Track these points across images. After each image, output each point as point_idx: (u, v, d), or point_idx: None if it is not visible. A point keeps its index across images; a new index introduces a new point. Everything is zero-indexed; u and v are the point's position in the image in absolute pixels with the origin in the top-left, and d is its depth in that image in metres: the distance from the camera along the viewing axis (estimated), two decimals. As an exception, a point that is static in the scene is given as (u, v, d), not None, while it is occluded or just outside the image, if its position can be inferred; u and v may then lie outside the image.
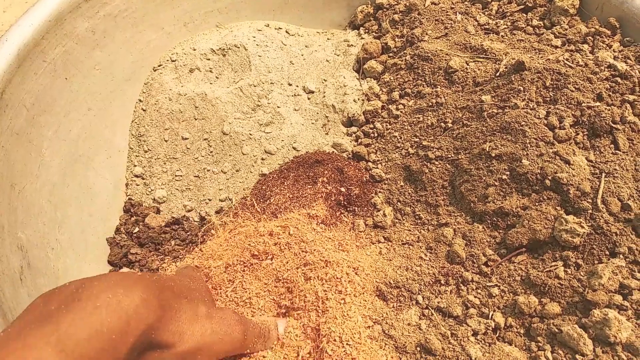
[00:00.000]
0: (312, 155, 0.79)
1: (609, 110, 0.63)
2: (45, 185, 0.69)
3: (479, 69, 0.75)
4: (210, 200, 0.79)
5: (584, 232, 0.56)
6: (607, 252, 0.56)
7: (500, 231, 0.63)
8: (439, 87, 0.77)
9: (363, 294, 0.61)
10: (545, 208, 0.60)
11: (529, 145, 0.63)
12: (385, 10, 0.96)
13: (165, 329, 0.39)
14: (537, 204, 0.61)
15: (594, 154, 0.62)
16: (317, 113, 0.86)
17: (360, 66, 0.91)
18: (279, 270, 0.61)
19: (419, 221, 0.70)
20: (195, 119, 0.83)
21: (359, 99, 0.86)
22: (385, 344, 0.57)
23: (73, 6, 0.75)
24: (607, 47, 0.73)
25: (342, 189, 0.74)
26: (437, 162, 0.71)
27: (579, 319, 0.53)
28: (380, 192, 0.74)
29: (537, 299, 0.56)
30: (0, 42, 0.67)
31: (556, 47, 0.75)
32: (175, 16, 0.92)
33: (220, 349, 0.44)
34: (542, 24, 0.80)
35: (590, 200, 0.58)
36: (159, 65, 0.91)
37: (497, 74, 0.72)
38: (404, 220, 0.71)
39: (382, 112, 0.82)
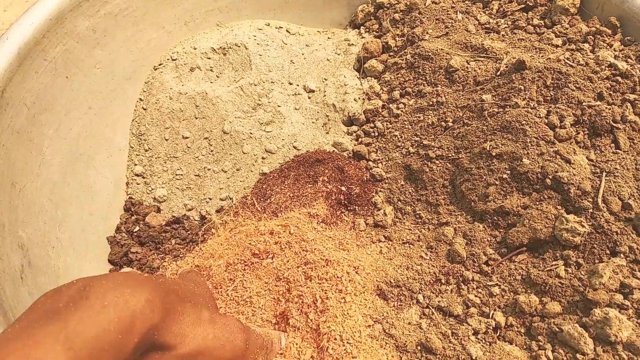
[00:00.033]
0: (312, 154, 0.79)
1: (610, 109, 0.63)
2: (46, 183, 0.69)
3: (479, 68, 0.75)
4: (210, 199, 0.79)
5: (585, 231, 0.56)
6: (608, 251, 0.56)
7: (501, 230, 0.63)
8: (439, 86, 0.77)
9: (363, 293, 0.61)
10: (546, 207, 0.60)
11: (529, 144, 0.63)
12: (386, 9, 0.96)
13: (167, 330, 0.39)
14: (537, 203, 0.61)
15: (594, 153, 0.62)
16: (318, 112, 0.86)
17: (360, 65, 0.91)
18: (279, 269, 0.61)
19: (419, 220, 0.70)
20: (196, 118, 0.83)
21: (359, 98, 0.86)
22: (386, 343, 0.57)
23: (74, 5, 0.75)
24: (608, 47, 0.73)
25: (343, 188, 0.74)
26: (437, 161, 0.71)
27: (580, 318, 0.53)
28: (380, 191, 0.74)
29: (538, 298, 0.56)
30: (1, 41, 0.67)
31: (557, 46, 0.75)
32: (176, 15, 0.92)
33: (220, 355, 0.44)
34: (543, 23, 0.80)
35: (591, 200, 0.58)
36: (159, 64, 0.91)
37: (498, 73, 0.72)
38: (404, 219, 0.71)
39: (382, 111, 0.82)
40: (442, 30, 0.85)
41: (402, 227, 0.70)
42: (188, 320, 0.42)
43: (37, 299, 0.35)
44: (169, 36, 0.92)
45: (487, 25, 0.83)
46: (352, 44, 0.95)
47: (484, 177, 0.65)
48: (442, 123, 0.73)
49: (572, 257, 0.57)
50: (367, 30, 0.98)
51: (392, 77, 0.85)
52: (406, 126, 0.78)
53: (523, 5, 0.84)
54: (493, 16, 0.86)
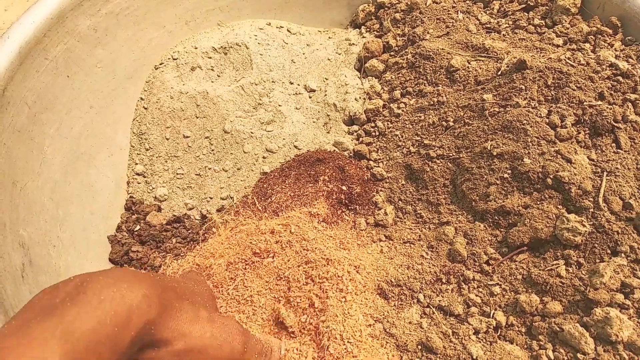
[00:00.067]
0: (313, 153, 0.79)
1: (611, 109, 0.63)
2: (47, 182, 0.69)
3: (480, 68, 0.75)
4: (211, 198, 0.79)
5: (586, 231, 0.56)
6: (609, 251, 0.56)
7: (502, 230, 0.63)
8: (440, 85, 0.77)
9: (364, 292, 0.61)
10: (547, 207, 0.60)
11: (530, 143, 0.63)
12: (386, 9, 0.96)
13: (165, 325, 0.39)
14: (538, 202, 0.61)
15: (595, 153, 0.62)
16: (319, 112, 0.86)
17: (361, 65, 0.91)
18: (280, 268, 0.61)
19: (420, 220, 0.70)
20: (197, 117, 0.83)
21: (360, 98, 0.86)
22: (387, 342, 0.57)
23: (75, 4, 0.75)
24: (609, 46, 0.73)
25: (344, 188, 0.74)
26: (438, 161, 0.71)
27: (581, 317, 0.53)
28: (381, 190, 0.74)
29: (539, 298, 0.56)
30: (2, 40, 0.67)
31: (558, 46, 0.75)
32: (177, 14, 0.92)
33: (217, 355, 0.43)
34: (544, 23, 0.80)
35: (591, 199, 0.58)
36: (160, 64, 0.91)
37: (499, 73, 0.72)
38: (405, 218, 0.71)
39: (383, 110, 0.82)
40: (443, 29, 0.85)
41: (402, 227, 0.70)
42: (185, 317, 0.41)
43: (35, 295, 0.35)
44: (170, 35, 0.92)
45: (488, 25, 0.83)
46: (353, 44, 0.95)
47: (485, 176, 0.65)
48: (443, 122, 0.73)
49: (573, 256, 0.57)
50: (368, 29, 0.98)
51: (393, 76, 0.85)
52: (407, 126, 0.78)
53: (524, 5, 0.84)
54: (494, 16, 0.86)
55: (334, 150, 0.81)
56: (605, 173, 0.59)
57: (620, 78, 0.65)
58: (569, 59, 0.69)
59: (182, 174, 0.81)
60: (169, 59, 0.91)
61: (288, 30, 0.98)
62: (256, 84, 0.85)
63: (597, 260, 0.56)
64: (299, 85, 0.88)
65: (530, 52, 0.75)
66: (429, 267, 0.63)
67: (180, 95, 0.85)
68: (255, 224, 0.68)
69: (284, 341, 0.55)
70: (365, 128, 0.82)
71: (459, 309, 0.58)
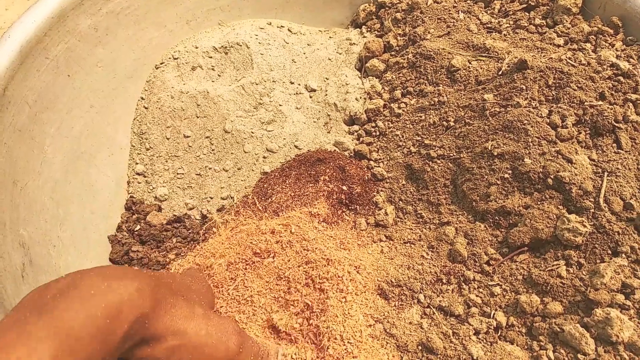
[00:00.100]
0: (313, 153, 0.78)
1: (612, 109, 0.62)
2: (47, 182, 0.69)
3: (481, 68, 0.75)
4: (212, 198, 0.79)
5: (586, 231, 0.56)
6: (610, 251, 0.56)
7: (502, 230, 0.63)
8: (441, 85, 0.77)
9: (364, 292, 0.61)
10: (548, 207, 0.60)
11: (531, 144, 0.62)
12: (387, 8, 0.96)
13: (159, 320, 0.39)
14: (539, 202, 0.61)
15: (596, 153, 0.62)
16: (319, 111, 0.86)
17: (362, 65, 0.91)
18: (280, 268, 0.61)
19: (420, 220, 0.70)
20: (197, 117, 0.83)
21: (361, 98, 0.86)
22: (387, 343, 0.57)
23: (75, 3, 0.75)
24: (610, 46, 0.73)
25: (344, 188, 0.74)
26: (439, 161, 0.71)
27: (581, 318, 0.53)
28: (382, 190, 0.74)
29: (539, 298, 0.56)
30: (2, 39, 0.67)
31: (559, 45, 0.75)
32: (178, 14, 0.92)
33: (211, 354, 0.43)
34: (545, 23, 0.80)
35: (592, 199, 0.58)
36: (161, 63, 0.91)
37: (500, 73, 0.72)
38: (405, 218, 0.71)
39: (384, 110, 0.82)
40: (443, 29, 0.84)
41: (403, 227, 0.70)
42: (180, 313, 0.41)
43: (28, 293, 0.35)
44: (171, 35, 0.92)
45: (489, 25, 0.83)
46: (354, 44, 0.95)
47: (486, 176, 0.65)
48: (444, 122, 0.73)
49: (574, 257, 0.57)
50: (369, 29, 0.98)
51: (394, 76, 0.85)
52: (407, 126, 0.78)
53: (525, 5, 0.84)
54: (495, 16, 0.86)
55: (335, 150, 0.81)
56: (606, 173, 0.59)
57: (621, 78, 0.65)
58: (569, 59, 0.69)
59: (183, 173, 0.81)
60: (169, 58, 0.91)
61: (289, 30, 0.98)
62: (257, 84, 0.85)
63: (598, 261, 0.56)
64: (299, 85, 0.88)
65: (531, 52, 0.75)
66: (430, 268, 0.63)
67: (180, 95, 0.85)
68: (255, 224, 0.68)
69: (283, 346, 0.55)
70: (365, 128, 0.82)
71: (459, 310, 0.58)
